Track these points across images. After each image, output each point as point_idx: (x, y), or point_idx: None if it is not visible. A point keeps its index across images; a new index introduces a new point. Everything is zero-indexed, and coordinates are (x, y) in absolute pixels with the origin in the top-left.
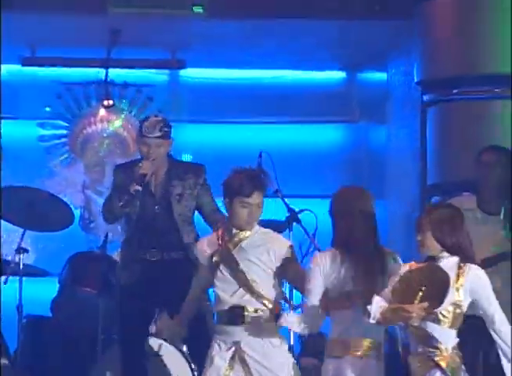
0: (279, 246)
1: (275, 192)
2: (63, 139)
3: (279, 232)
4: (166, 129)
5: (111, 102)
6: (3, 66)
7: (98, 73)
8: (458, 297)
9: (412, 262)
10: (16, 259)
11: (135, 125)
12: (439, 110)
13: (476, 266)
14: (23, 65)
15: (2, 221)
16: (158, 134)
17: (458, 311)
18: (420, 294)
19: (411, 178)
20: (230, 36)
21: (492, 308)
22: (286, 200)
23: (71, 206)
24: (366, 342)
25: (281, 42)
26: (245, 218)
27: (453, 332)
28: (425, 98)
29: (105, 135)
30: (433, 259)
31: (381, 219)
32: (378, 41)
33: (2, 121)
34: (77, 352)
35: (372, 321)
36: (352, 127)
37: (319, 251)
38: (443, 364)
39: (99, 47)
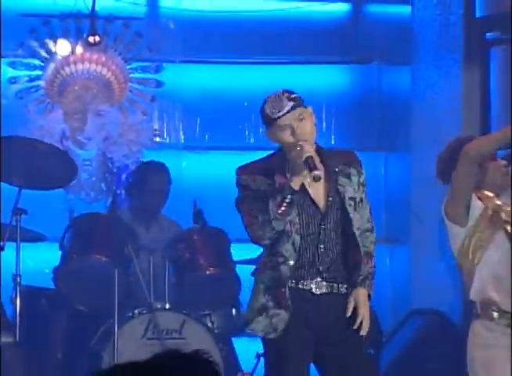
0: None
1: None
2: (38, 82)
3: None
4: (294, 95)
5: (98, 38)
6: None
7: (76, 3)
8: None
9: None
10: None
11: (121, 66)
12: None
13: None
14: None
15: None
16: (291, 103)
17: None
18: None
19: (451, 130)
20: None
21: None
22: None
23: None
24: None
25: None
26: None
27: None
28: (488, 36)
29: (86, 76)
30: None
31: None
32: None
33: None
34: (86, 331)
35: None
36: (364, 68)
37: None
38: None
39: None
